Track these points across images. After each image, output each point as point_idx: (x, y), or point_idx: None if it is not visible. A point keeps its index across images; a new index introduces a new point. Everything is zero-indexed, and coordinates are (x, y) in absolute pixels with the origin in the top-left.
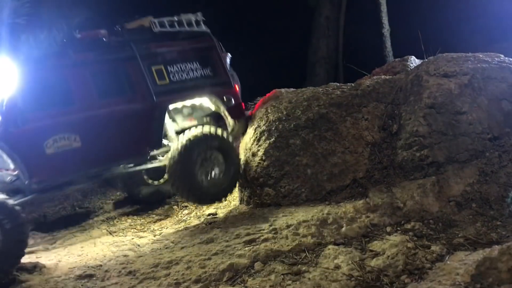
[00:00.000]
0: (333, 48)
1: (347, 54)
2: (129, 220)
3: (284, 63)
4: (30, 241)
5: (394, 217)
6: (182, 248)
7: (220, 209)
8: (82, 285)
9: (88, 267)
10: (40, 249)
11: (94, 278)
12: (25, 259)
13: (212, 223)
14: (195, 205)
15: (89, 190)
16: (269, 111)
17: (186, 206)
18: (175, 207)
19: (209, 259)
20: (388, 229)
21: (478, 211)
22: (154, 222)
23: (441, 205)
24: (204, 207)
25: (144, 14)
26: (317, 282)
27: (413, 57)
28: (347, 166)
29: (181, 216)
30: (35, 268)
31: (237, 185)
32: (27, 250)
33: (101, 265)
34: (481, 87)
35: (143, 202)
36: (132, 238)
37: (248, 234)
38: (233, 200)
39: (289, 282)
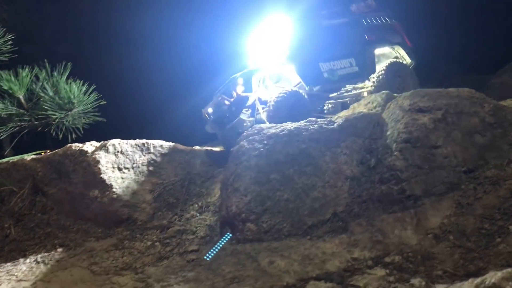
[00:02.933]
0: None
1: None
2: (111, 258)
3: None
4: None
5: (374, 251)
6: (164, 286)
7: (203, 245)
8: None
9: None
10: None
11: None
12: None
13: (194, 260)
14: (177, 241)
15: (71, 228)
16: (250, 146)
17: (168, 243)
18: (157, 243)
19: None
20: (369, 263)
21: (455, 243)
22: (136, 260)
23: (419, 238)
24: (187, 243)
25: None
26: None
27: (387, 92)
28: (327, 200)
29: (163, 253)
30: None
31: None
32: None
33: None
34: (454, 122)
35: None
36: (114, 277)
37: (230, 272)
38: (215, 236)
39: None
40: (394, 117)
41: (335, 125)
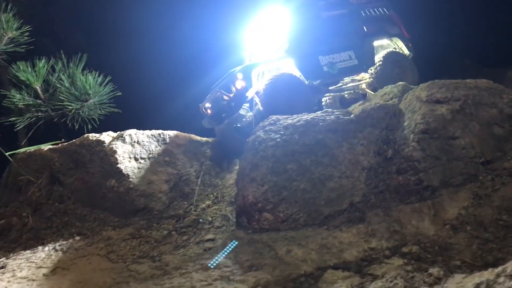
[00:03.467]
0: None
1: None
2: (128, 247)
3: None
4: (29, 270)
5: (391, 241)
6: (182, 274)
7: (219, 234)
8: None
9: None
10: (39, 277)
11: None
12: None
13: (211, 249)
14: (193, 230)
15: (88, 217)
16: (266, 136)
17: (184, 232)
18: (173, 232)
19: (210, 284)
20: (386, 252)
21: (473, 234)
22: (153, 248)
23: (437, 229)
24: (203, 233)
25: None
26: None
27: (404, 83)
28: (344, 190)
29: (180, 242)
30: None
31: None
32: (30, 278)
33: None
34: (472, 113)
35: None
36: (132, 264)
37: (248, 260)
38: (231, 226)
39: None
40: (411, 108)
41: (352, 115)
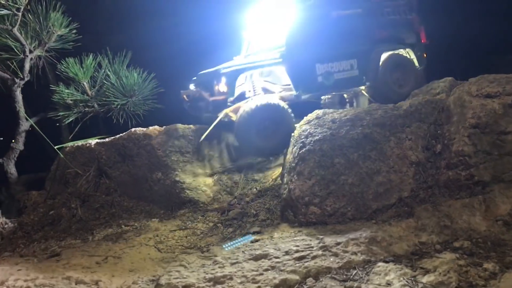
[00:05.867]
0: None
1: None
2: (175, 238)
3: None
4: (82, 258)
5: (442, 236)
6: (233, 264)
7: (264, 227)
8: None
9: (142, 281)
10: (93, 264)
11: None
12: (82, 273)
13: (258, 241)
14: (238, 223)
15: (134, 209)
16: (313, 130)
17: (229, 225)
18: (219, 225)
19: (261, 274)
20: (437, 247)
21: None
22: (200, 239)
23: (488, 224)
24: (248, 225)
25: None
26: None
27: (451, 78)
28: (392, 185)
29: (226, 234)
30: (91, 281)
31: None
32: (84, 265)
33: (153, 280)
34: None
35: None
36: (181, 254)
37: (297, 251)
38: (276, 219)
39: None
40: (461, 102)
41: (400, 110)
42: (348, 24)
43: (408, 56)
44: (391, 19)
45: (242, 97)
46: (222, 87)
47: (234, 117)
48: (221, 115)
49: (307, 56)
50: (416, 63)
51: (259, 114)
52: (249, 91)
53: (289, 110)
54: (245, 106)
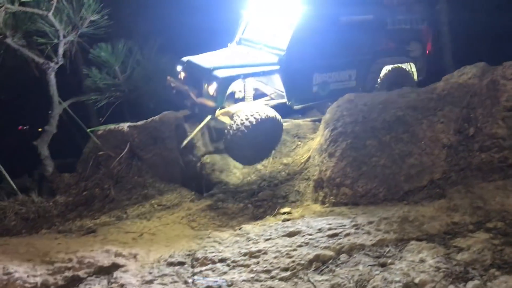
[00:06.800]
0: None
1: None
2: (207, 217)
3: None
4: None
5: (475, 216)
6: (267, 240)
7: (294, 208)
8: (175, 271)
9: (178, 255)
10: (129, 240)
11: (186, 265)
12: (120, 247)
13: (290, 220)
14: (268, 204)
15: (166, 189)
16: (344, 113)
17: (260, 205)
18: (249, 205)
19: (295, 250)
20: (470, 227)
21: None
22: (231, 219)
23: None
24: (278, 206)
25: None
26: (405, 272)
27: (483, 63)
28: (424, 167)
29: (256, 214)
30: (129, 255)
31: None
32: (120, 241)
33: (189, 254)
34: None
35: None
36: (214, 232)
37: (330, 229)
38: (306, 200)
39: (377, 272)
40: (494, 86)
41: (433, 94)
42: (355, 31)
43: (409, 70)
44: (399, 29)
45: (231, 97)
46: (212, 90)
47: (227, 121)
48: (207, 119)
49: (307, 65)
50: (415, 77)
51: (255, 131)
52: (240, 91)
53: (281, 121)
54: (240, 118)
